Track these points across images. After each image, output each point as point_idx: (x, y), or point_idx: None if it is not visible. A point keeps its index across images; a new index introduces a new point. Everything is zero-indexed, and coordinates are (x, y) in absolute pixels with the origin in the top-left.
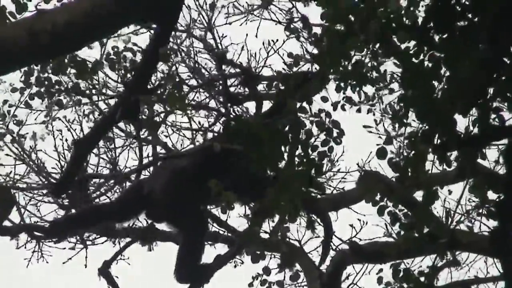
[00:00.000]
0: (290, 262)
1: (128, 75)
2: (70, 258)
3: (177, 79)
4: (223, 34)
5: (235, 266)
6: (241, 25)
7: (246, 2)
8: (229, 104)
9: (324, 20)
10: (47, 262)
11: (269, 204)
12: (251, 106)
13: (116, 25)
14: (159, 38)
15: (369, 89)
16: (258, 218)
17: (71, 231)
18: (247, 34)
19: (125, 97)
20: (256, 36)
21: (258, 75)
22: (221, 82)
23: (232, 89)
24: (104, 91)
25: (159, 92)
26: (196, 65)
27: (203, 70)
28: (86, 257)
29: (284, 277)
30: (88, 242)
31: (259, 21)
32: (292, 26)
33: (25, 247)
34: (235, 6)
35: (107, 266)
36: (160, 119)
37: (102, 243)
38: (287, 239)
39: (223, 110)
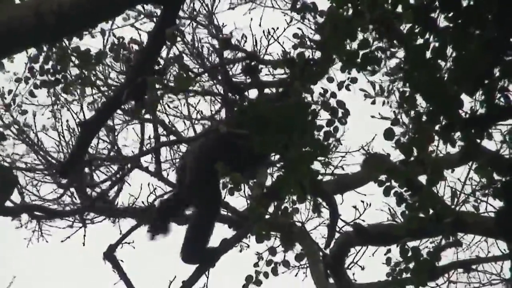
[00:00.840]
0: (290, 241)
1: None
2: (69, 237)
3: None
4: (223, 23)
5: (240, 251)
6: (244, 14)
7: None
8: (230, 93)
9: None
10: (46, 242)
11: (277, 185)
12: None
13: (121, 6)
14: (165, 19)
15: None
16: (266, 200)
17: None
18: (251, 19)
19: (131, 79)
20: (260, 25)
21: (264, 59)
22: (222, 70)
23: (234, 77)
24: (108, 81)
25: (165, 74)
26: (200, 51)
27: (207, 56)
28: (84, 235)
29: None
30: (87, 221)
31: (263, 9)
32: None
33: (26, 227)
34: None
35: (112, 250)
36: (161, 99)
37: (101, 221)
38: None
39: (228, 96)
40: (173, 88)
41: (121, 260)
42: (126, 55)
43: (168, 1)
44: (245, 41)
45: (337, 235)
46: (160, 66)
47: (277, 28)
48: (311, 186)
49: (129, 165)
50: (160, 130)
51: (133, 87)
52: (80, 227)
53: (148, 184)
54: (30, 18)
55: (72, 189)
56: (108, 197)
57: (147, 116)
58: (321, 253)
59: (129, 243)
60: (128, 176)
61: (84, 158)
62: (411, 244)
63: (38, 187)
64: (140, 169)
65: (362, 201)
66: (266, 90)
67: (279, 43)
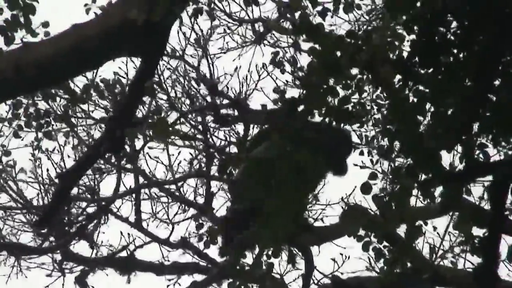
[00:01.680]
0: None
1: (113, 108)
2: (47, 286)
3: (162, 113)
4: (212, 63)
5: None
6: (233, 60)
7: (240, 37)
8: (218, 125)
9: (311, 55)
10: (25, 277)
11: (252, 237)
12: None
13: (101, 59)
14: (144, 72)
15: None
16: (239, 250)
17: None
18: (240, 66)
19: (110, 131)
20: (249, 71)
21: (247, 107)
22: (212, 108)
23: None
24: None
25: (144, 125)
26: (189, 91)
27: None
28: (63, 285)
29: None
30: (66, 271)
31: (252, 55)
32: (277, 60)
33: (5, 264)
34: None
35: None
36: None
37: (80, 271)
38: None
39: (209, 140)
40: (152, 138)
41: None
42: (111, 92)
43: (147, 54)
44: (231, 88)
45: (315, 287)
46: (139, 118)
47: (263, 71)
48: (288, 237)
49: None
50: (141, 180)
51: (111, 139)
52: (59, 276)
53: (129, 235)
54: (10, 70)
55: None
56: (86, 233)
57: (128, 166)
58: None
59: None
60: (105, 220)
61: (61, 210)
62: None
63: (18, 235)
64: (115, 216)
65: (341, 254)
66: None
67: (261, 90)
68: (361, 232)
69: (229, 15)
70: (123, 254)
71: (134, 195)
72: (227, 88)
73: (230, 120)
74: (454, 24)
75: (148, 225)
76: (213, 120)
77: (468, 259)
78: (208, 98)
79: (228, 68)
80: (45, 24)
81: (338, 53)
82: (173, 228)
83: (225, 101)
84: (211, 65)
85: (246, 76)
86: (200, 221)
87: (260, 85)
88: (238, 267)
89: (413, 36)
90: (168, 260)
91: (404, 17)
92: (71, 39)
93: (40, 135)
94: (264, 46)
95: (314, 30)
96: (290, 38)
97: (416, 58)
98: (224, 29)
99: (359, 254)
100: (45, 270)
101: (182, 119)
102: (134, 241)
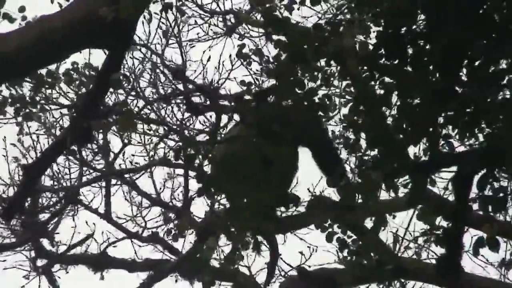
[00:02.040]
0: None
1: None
2: (23, 286)
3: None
4: (181, 50)
5: (176, 281)
6: (204, 52)
7: (211, 29)
8: (189, 114)
9: (278, 48)
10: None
11: (219, 230)
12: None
13: (66, 51)
14: (110, 64)
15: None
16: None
17: None
18: (210, 56)
19: (76, 123)
20: (219, 62)
21: (216, 95)
22: (178, 95)
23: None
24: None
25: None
26: (155, 79)
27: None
28: (39, 286)
29: None
30: (40, 270)
31: (223, 47)
32: (243, 52)
33: None
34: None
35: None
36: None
37: (56, 271)
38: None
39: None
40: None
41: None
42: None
43: (113, 47)
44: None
45: (282, 279)
46: (106, 110)
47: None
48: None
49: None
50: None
51: (77, 131)
52: (35, 276)
53: (102, 233)
54: None
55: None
56: (48, 230)
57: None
58: None
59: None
60: (74, 211)
61: (26, 202)
62: None
63: None
64: (85, 207)
65: (309, 246)
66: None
67: (232, 79)
68: (326, 223)
69: (200, 6)
70: (96, 251)
71: (104, 188)
72: (203, 76)
73: (201, 109)
74: (420, 16)
75: (118, 218)
76: (185, 109)
77: (432, 250)
78: (180, 87)
79: (200, 59)
80: (22, 9)
81: (305, 46)
82: (145, 223)
83: (194, 89)
84: (182, 53)
85: (219, 65)
86: (168, 216)
87: (233, 76)
88: (202, 259)
89: (379, 28)
90: (140, 258)
91: (371, 11)
92: (36, 31)
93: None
94: (237, 38)
95: (280, 23)
96: (260, 30)
97: (382, 50)
98: (196, 21)
99: (328, 247)
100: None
101: (149, 108)
102: (108, 239)
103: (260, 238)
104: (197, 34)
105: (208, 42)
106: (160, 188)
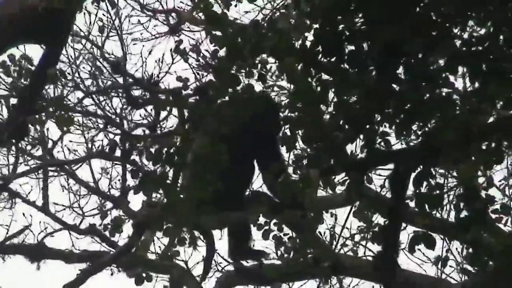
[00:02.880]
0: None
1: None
2: None
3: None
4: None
5: (112, 274)
6: (149, 51)
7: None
8: (129, 107)
9: (214, 43)
10: None
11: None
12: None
13: (3, 46)
14: (47, 60)
15: None
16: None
17: None
18: (151, 51)
19: (12, 118)
20: (161, 60)
21: (152, 88)
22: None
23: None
24: None
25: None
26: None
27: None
28: None
29: None
30: None
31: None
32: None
33: None
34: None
35: None
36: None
37: None
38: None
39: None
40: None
41: None
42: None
43: (50, 42)
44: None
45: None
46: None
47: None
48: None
49: None
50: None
51: (14, 126)
52: None
53: (40, 223)
54: None
55: None
56: None
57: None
58: None
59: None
60: (11, 204)
61: None
62: None
63: None
64: (22, 200)
65: None
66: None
67: (172, 73)
68: (261, 220)
69: (143, 5)
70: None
71: (42, 181)
72: (142, 70)
73: (140, 102)
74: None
75: (55, 211)
76: (125, 102)
77: (369, 247)
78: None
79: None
80: None
81: (242, 42)
82: (83, 215)
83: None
84: (123, 46)
85: (159, 60)
86: (104, 210)
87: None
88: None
89: (317, 26)
90: (78, 249)
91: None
92: None
93: None
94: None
95: (218, 19)
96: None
97: (320, 47)
98: (139, 20)
99: (266, 243)
100: None
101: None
102: (46, 229)
103: (196, 233)
104: (141, 33)
105: (152, 41)
106: (98, 178)
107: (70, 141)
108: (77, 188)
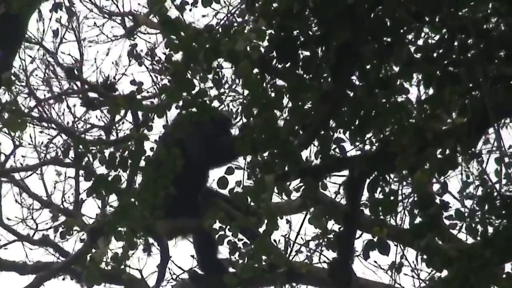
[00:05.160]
0: None
1: None
2: None
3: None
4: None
5: (63, 279)
6: (107, 55)
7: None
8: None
9: (168, 48)
10: None
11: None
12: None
13: None
14: (1, 64)
15: None
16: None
17: None
18: (107, 53)
19: None
20: (117, 62)
21: (104, 92)
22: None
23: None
24: None
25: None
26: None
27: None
28: None
29: None
30: None
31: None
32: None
33: None
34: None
35: None
36: None
37: None
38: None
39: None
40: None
41: None
42: None
43: (3, 46)
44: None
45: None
46: None
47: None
48: (144, 229)
49: None
50: None
51: None
52: None
53: None
54: None
55: None
56: None
57: None
58: None
59: None
60: None
61: None
62: None
63: None
64: None
65: None
66: None
67: (127, 75)
68: (217, 226)
69: (99, 8)
70: None
71: None
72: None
73: (97, 104)
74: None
75: (8, 220)
76: (81, 103)
77: (324, 254)
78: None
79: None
80: None
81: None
82: (37, 226)
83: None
84: (80, 50)
85: (115, 63)
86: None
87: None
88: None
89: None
90: (31, 260)
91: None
92: None
93: None
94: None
95: (171, 23)
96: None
97: (274, 52)
98: (95, 23)
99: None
100: None
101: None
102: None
103: (151, 240)
104: (97, 36)
105: (108, 44)
106: (51, 191)
107: (23, 156)
108: (30, 202)
